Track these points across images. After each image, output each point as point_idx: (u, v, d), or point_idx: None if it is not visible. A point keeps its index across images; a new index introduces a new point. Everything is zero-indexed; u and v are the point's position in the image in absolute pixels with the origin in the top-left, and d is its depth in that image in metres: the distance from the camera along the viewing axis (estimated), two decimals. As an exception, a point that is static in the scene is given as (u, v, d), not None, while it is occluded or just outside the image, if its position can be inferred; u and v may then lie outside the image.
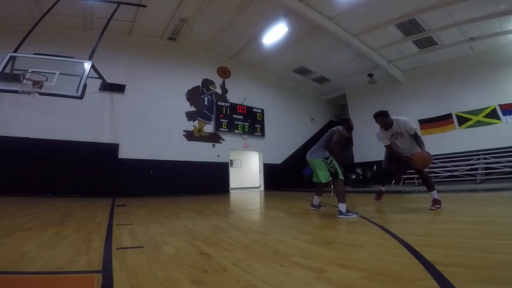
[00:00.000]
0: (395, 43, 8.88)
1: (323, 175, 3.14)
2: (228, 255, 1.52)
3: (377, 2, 6.93)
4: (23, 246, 1.64)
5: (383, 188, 4.32)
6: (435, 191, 3.26)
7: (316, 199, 3.67)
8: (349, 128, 3.39)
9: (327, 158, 3.14)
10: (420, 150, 3.31)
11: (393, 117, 3.48)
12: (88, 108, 7.18)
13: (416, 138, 3.44)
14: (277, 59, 10.36)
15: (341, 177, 3.10)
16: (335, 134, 3.22)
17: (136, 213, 3.63)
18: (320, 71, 11.51)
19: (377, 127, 3.61)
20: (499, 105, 8.56)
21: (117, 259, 1.42)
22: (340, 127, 3.31)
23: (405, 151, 3.50)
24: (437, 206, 3.10)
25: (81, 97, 5.24)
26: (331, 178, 3.12)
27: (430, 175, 8.61)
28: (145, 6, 6.94)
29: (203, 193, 8.24)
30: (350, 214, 2.85)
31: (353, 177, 9.32)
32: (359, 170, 9.43)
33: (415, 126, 3.57)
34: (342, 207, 2.89)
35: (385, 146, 3.71)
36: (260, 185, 10.92)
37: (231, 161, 10.67)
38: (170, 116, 8.78)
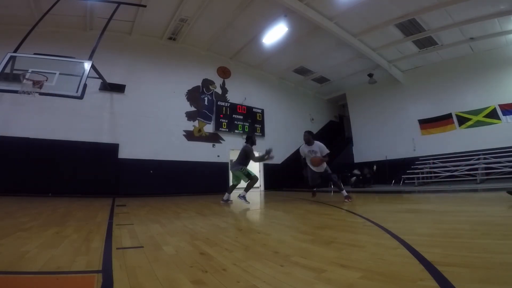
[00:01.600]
0: (395, 43, 8.88)
1: (243, 178, 4.64)
2: (228, 255, 1.51)
3: (377, 2, 6.93)
4: (23, 246, 1.64)
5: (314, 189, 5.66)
6: (344, 191, 4.52)
7: (226, 195, 4.87)
8: (253, 143, 4.93)
9: (241, 169, 4.65)
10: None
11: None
12: (88, 108, 7.18)
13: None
14: (277, 59, 10.36)
15: (253, 175, 4.64)
16: (248, 152, 4.72)
17: (136, 213, 3.63)
18: (320, 71, 11.50)
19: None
20: (499, 105, 8.56)
21: (117, 259, 1.41)
22: (247, 145, 4.80)
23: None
24: (349, 200, 4.29)
25: (81, 97, 5.25)
26: (248, 180, 4.56)
27: (429, 175, 8.68)
28: (145, 6, 6.94)
29: (203, 193, 8.23)
30: (246, 201, 4.46)
31: (353, 178, 9.30)
32: (356, 171, 9.41)
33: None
34: (244, 194, 4.54)
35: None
36: (260, 185, 10.91)
37: (231, 161, 10.64)
38: (170, 116, 8.78)
